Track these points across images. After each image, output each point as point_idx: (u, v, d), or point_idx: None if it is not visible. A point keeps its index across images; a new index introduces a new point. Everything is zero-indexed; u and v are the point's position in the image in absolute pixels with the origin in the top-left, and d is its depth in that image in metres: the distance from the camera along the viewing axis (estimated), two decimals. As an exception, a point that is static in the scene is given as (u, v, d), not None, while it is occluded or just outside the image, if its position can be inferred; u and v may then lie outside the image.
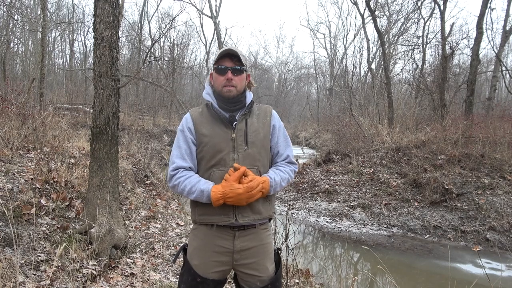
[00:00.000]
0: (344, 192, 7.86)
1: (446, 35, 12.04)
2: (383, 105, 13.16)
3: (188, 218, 5.39)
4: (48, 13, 17.14)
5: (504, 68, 14.28)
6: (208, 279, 1.56)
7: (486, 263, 5.03)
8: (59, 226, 3.37)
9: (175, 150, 1.61)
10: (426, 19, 16.29)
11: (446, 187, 6.66)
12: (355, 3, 17.52)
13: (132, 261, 3.50)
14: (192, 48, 37.26)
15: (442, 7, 11.97)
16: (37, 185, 3.76)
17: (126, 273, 3.24)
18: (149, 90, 20.80)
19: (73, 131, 7.49)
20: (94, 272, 3.02)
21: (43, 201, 3.55)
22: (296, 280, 3.26)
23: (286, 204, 7.85)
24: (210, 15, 21.78)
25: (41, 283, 2.63)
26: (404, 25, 18.68)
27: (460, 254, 5.40)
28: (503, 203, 6.16)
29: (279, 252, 1.71)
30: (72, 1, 21.66)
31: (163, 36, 20.60)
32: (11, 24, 16.14)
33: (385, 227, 6.47)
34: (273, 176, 1.56)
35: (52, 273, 2.73)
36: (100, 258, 3.25)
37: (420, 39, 15.92)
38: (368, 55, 20.19)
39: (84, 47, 25.14)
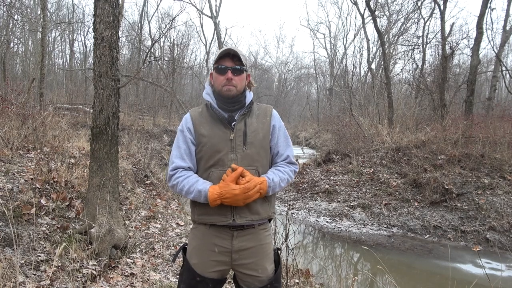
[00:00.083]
0: (344, 192, 7.86)
1: (446, 35, 12.04)
2: (383, 105, 13.16)
3: (188, 218, 5.39)
4: (48, 13, 17.15)
5: (504, 68, 14.28)
6: (207, 278, 1.56)
7: (486, 263, 5.03)
8: (59, 226, 3.37)
9: (174, 150, 1.62)
10: (426, 19, 16.31)
11: (446, 187, 6.66)
12: (355, 3, 17.52)
13: (132, 261, 3.51)
14: (192, 48, 37.33)
15: (442, 7, 11.97)
16: (37, 185, 3.76)
17: (126, 273, 3.24)
18: (149, 90, 20.81)
19: (73, 131, 7.49)
20: (94, 272, 3.02)
21: (43, 201, 3.55)
22: (296, 280, 3.26)
23: (286, 204, 7.85)
24: (210, 15, 21.79)
25: (41, 283, 2.63)
26: (404, 25, 18.70)
27: (460, 254, 5.40)
28: (503, 203, 6.16)
29: (279, 252, 1.70)
30: (72, 1, 21.70)
31: (163, 36, 20.62)
32: (11, 24, 16.15)
33: (385, 227, 6.47)
34: (272, 177, 1.55)
35: (52, 273, 2.73)
36: (100, 258, 3.25)
37: (420, 39, 15.94)
38: (368, 55, 20.21)
39: (84, 47, 25.18)
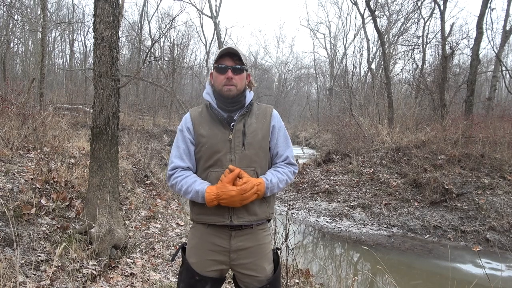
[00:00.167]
0: (344, 192, 7.86)
1: (446, 35, 12.04)
2: (383, 105, 13.16)
3: (188, 218, 5.39)
4: (48, 13, 17.15)
5: (504, 68, 14.28)
6: (206, 277, 1.56)
7: (486, 263, 5.03)
8: (59, 226, 3.37)
9: (174, 149, 1.62)
10: (426, 19, 16.31)
11: (446, 187, 6.66)
12: (355, 3, 17.52)
13: (132, 261, 3.51)
14: (192, 48, 37.38)
15: (442, 7, 11.97)
16: (37, 185, 3.76)
17: (126, 273, 3.24)
18: (149, 90, 20.82)
19: (73, 131, 7.49)
20: (94, 272, 3.02)
21: (43, 201, 3.55)
22: (296, 280, 3.26)
23: (286, 204, 7.85)
24: (210, 15, 21.79)
25: (41, 283, 2.63)
26: (404, 25, 18.71)
27: (460, 254, 5.40)
28: (503, 203, 6.16)
29: (278, 252, 1.69)
30: (72, 1, 21.68)
31: (163, 36, 20.64)
32: (11, 24, 16.16)
33: (385, 227, 6.47)
34: (270, 178, 1.55)
35: (52, 273, 2.73)
36: (100, 258, 3.25)
37: (420, 39, 15.94)
38: (368, 55, 20.21)
39: (84, 47, 25.17)
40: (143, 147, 8.30)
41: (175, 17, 13.94)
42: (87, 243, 3.34)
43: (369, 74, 20.81)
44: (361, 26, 20.57)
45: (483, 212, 6.08)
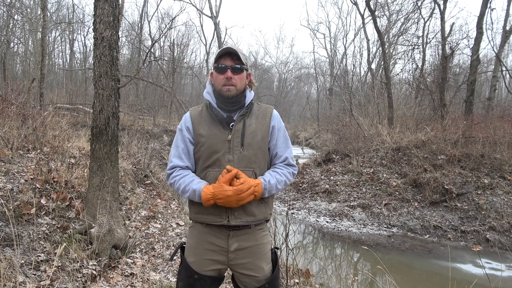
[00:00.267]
0: (344, 192, 7.86)
1: (446, 35, 12.03)
2: (383, 105, 13.16)
3: (188, 218, 5.38)
4: (48, 13, 17.14)
5: (504, 68, 14.27)
6: (205, 276, 1.57)
7: (486, 263, 5.03)
8: (59, 226, 3.37)
9: (173, 149, 1.62)
10: (426, 19, 16.31)
11: (446, 187, 6.66)
12: (355, 3, 17.52)
13: (132, 261, 3.51)
14: (192, 48, 37.34)
15: (442, 7, 11.97)
16: (37, 185, 3.76)
17: (126, 273, 3.24)
18: (149, 90, 20.82)
19: (73, 131, 7.49)
20: (94, 272, 3.02)
21: (43, 201, 3.55)
22: (296, 280, 3.26)
23: (286, 204, 7.85)
24: (210, 15, 21.78)
25: (41, 283, 2.63)
26: (404, 25, 18.71)
27: (460, 254, 5.40)
28: (503, 203, 6.16)
29: (276, 251, 1.69)
30: (72, 1, 21.70)
31: (163, 36, 20.63)
32: (11, 24, 16.16)
33: (385, 227, 6.47)
34: (268, 179, 1.54)
35: (52, 273, 2.73)
36: (100, 258, 3.25)
37: (420, 39, 15.94)
38: (368, 55, 20.21)
39: (84, 47, 25.17)
40: (143, 147, 8.30)
41: (175, 17, 13.95)
42: (87, 243, 3.34)
43: (369, 74, 20.81)
44: (361, 26, 20.59)
45: (483, 212, 6.08)
